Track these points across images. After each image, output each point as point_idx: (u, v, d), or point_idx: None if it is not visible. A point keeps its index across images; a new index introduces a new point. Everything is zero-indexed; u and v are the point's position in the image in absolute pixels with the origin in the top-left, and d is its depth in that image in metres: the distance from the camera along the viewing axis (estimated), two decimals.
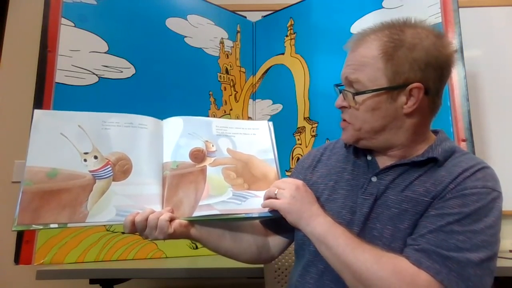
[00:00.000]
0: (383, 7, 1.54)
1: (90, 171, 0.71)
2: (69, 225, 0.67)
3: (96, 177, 0.71)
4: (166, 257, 1.47)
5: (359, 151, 0.79)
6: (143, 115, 0.79)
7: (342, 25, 1.60)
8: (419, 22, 0.71)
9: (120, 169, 0.73)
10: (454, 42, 1.37)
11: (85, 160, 0.72)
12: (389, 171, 0.73)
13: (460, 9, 1.40)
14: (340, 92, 0.75)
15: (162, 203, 0.73)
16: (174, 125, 0.81)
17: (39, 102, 1.33)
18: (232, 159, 0.81)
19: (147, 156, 0.76)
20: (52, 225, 0.66)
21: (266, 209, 0.75)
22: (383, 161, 0.75)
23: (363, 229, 0.70)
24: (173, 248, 1.48)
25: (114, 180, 0.72)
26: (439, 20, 1.41)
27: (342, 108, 0.75)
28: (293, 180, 0.75)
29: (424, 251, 0.62)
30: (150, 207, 0.71)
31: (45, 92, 1.34)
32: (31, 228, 0.67)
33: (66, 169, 0.70)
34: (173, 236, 0.71)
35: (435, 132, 0.78)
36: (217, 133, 0.82)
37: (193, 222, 0.74)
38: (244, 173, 0.80)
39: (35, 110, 0.72)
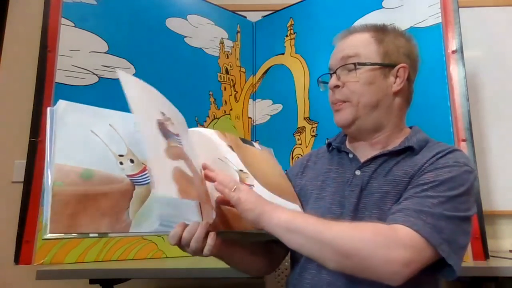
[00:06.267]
0: (383, 7, 1.53)
1: (128, 176, 0.63)
2: (110, 234, 0.59)
3: (135, 183, 0.63)
4: (166, 257, 1.47)
5: (341, 151, 0.84)
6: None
7: (342, 25, 1.57)
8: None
9: None
10: (454, 42, 1.37)
11: (121, 163, 0.63)
12: (371, 163, 0.77)
13: (460, 9, 1.40)
14: (332, 74, 0.81)
15: (201, 214, 0.66)
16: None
17: (39, 102, 1.33)
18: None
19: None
20: (91, 235, 0.58)
21: None
22: (364, 156, 0.79)
23: (354, 219, 0.72)
24: (173, 248, 1.47)
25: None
26: (439, 20, 1.40)
27: (335, 88, 0.80)
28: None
29: (399, 211, 0.65)
30: (192, 217, 0.65)
31: (45, 92, 1.34)
32: (67, 237, 0.59)
33: (102, 171, 0.61)
34: (211, 255, 0.67)
35: (410, 127, 0.84)
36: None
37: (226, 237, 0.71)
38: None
39: (60, 100, 0.63)
